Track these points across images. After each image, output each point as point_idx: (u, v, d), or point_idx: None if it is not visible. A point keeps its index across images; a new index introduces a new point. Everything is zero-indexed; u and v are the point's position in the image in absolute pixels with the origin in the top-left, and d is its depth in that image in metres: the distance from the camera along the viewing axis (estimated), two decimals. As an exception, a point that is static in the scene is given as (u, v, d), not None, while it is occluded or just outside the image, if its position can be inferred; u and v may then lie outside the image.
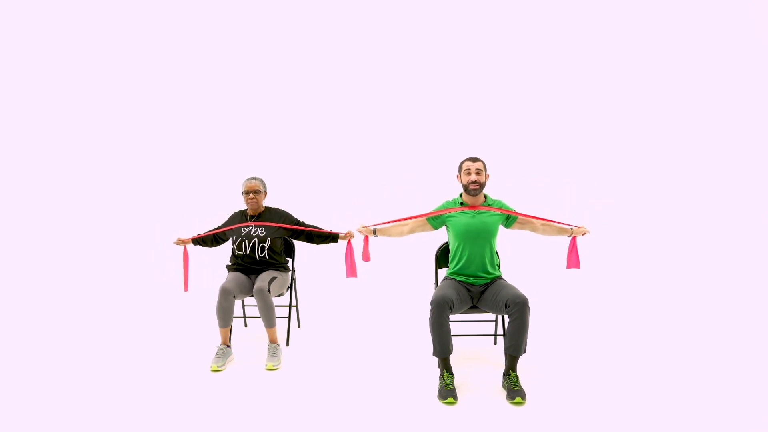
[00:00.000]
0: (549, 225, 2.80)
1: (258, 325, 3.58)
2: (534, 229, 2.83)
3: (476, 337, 3.16)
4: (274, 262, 3.13)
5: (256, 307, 3.36)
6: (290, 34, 5.42)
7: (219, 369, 2.74)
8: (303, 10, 5.36)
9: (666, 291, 4.42)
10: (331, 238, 3.15)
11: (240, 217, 3.20)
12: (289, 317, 3.24)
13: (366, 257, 2.94)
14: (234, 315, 2.95)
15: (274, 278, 3.00)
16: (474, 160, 2.70)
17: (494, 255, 2.73)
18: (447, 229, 2.81)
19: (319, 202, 5.10)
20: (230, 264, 3.19)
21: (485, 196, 2.77)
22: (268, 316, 2.88)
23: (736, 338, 3.20)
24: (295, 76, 5.47)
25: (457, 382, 2.49)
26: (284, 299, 3.38)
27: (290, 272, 3.28)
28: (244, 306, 3.59)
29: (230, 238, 3.17)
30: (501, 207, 2.75)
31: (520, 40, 5.31)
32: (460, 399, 2.35)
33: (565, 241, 2.86)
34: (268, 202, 3.26)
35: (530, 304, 2.43)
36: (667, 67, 5.21)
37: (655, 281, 4.70)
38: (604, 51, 5.26)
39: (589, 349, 3.05)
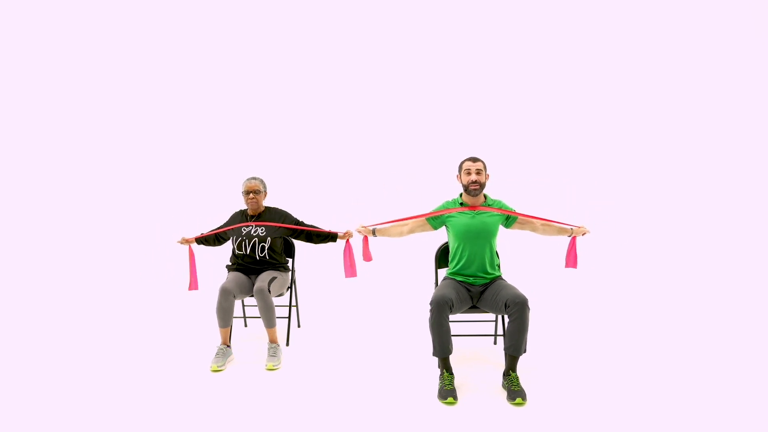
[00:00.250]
0: (549, 225, 2.80)
1: (258, 325, 3.58)
2: (534, 230, 2.83)
3: (476, 337, 3.16)
4: (274, 262, 3.13)
5: (256, 307, 3.37)
6: (290, 35, 5.42)
7: (219, 369, 2.74)
8: (303, 10, 5.37)
9: (665, 291, 4.42)
10: (330, 237, 3.16)
11: (240, 216, 3.21)
12: (289, 317, 3.24)
13: (367, 257, 2.94)
14: (234, 315, 2.95)
15: (274, 278, 3.00)
16: (474, 160, 2.70)
17: (494, 255, 2.73)
18: (447, 230, 2.81)
19: (319, 202, 5.09)
20: (230, 264, 3.20)
21: (485, 197, 2.77)
22: (268, 316, 2.88)
23: (736, 338, 3.20)
24: (295, 77, 5.47)
25: (457, 382, 2.49)
26: (284, 299, 3.38)
27: (290, 272, 3.28)
28: (244, 306, 3.59)
29: (231, 238, 3.18)
30: (501, 207, 2.75)
31: (520, 40, 5.31)
32: (460, 399, 2.36)
33: (565, 241, 2.86)
34: (268, 202, 3.26)
35: (530, 304, 2.43)
36: (667, 67, 5.21)
37: (654, 281, 4.70)
38: (604, 51, 5.26)
39: (589, 349, 3.05)
